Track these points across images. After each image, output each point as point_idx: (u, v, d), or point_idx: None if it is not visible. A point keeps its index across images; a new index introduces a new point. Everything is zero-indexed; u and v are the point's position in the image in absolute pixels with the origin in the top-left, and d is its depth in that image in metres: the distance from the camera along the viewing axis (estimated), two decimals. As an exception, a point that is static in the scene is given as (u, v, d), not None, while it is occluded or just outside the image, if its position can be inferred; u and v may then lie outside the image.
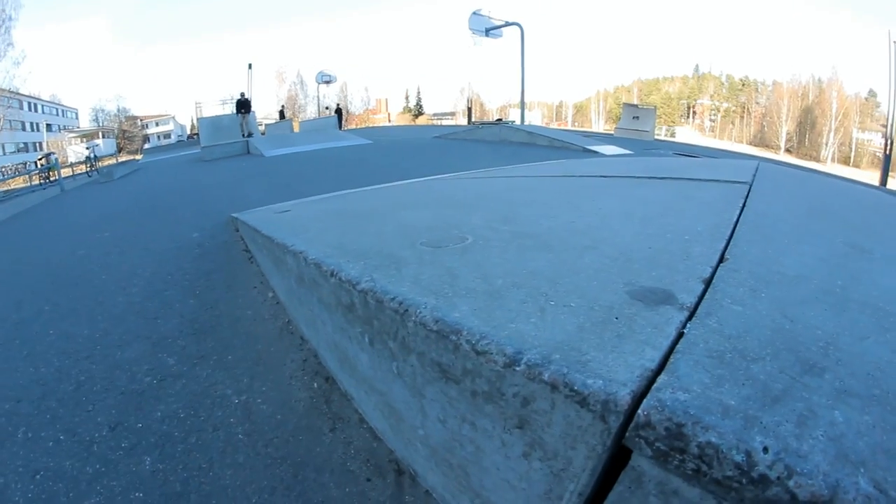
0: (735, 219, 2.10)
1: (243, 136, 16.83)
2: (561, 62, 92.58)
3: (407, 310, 1.33)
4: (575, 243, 1.79)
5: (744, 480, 0.76)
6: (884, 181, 18.80)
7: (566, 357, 1.00)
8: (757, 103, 58.95)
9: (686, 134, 53.02)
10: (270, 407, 1.94)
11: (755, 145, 52.68)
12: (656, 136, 24.25)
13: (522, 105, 24.61)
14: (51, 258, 4.29)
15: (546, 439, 0.99)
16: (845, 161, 48.22)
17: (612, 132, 24.06)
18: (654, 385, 0.90)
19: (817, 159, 48.85)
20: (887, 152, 19.65)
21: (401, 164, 9.24)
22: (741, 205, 2.41)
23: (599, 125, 58.92)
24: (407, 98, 79.20)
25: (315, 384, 2.02)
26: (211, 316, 2.80)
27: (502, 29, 26.69)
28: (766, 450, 0.75)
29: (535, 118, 56.08)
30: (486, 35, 26.59)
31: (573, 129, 44.28)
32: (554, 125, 57.34)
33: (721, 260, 1.52)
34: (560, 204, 2.80)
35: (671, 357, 0.98)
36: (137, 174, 14.49)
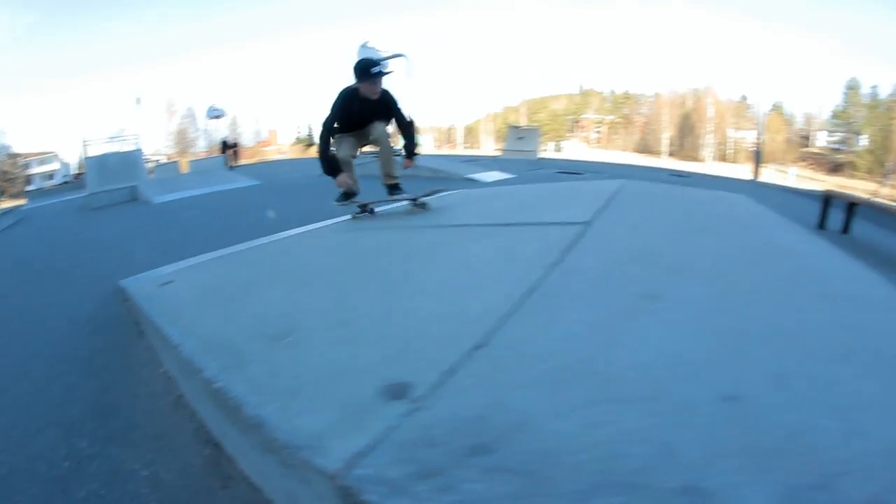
0: (536, 283, 2.36)
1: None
2: (452, 86, 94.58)
3: (239, 407, 1.65)
4: (361, 336, 2.11)
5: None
6: (756, 172, 21.23)
7: (318, 444, 1.32)
8: (639, 114, 62.59)
9: (573, 148, 55.81)
10: (172, 474, 2.14)
11: (640, 152, 57.13)
12: (544, 153, 25.23)
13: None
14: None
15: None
16: (723, 158, 51.87)
17: (501, 153, 24.88)
18: (357, 464, 1.20)
19: (697, 159, 53.18)
20: (757, 148, 22.74)
21: (284, 208, 9.38)
22: (557, 260, 2.70)
23: (490, 146, 60.22)
24: (299, 129, 78.48)
25: (206, 450, 2.24)
26: (113, 396, 2.94)
27: (390, 61, 27.11)
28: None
29: (426, 142, 56.90)
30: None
31: (463, 152, 45.16)
32: (446, 148, 58.54)
33: (480, 346, 1.76)
34: (371, 277, 3.11)
35: (377, 444, 1.27)
36: (22, 225, 13.81)
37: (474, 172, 13.50)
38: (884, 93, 51.00)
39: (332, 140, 5.46)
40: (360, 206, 5.81)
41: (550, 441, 1.19)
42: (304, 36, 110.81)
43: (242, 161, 28.49)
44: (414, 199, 5.56)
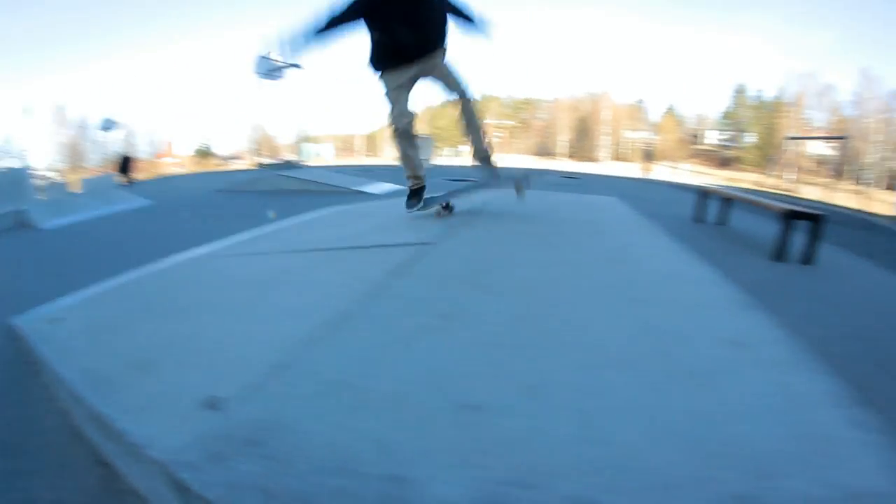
0: (356, 308, 2.52)
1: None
2: (354, 94, 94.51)
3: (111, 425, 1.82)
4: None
5: None
6: (647, 169, 22.85)
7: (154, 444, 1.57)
8: (538, 118, 64.60)
9: None
10: (74, 495, 2.18)
11: (538, 155, 58.97)
12: (440, 160, 25.64)
13: (303, 146, 25.10)
14: None
15: None
16: (618, 158, 54.72)
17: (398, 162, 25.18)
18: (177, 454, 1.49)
19: (593, 159, 55.52)
20: (649, 147, 24.44)
21: (174, 233, 9.04)
22: (385, 284, 2.84)
23: (389, 154, 60.82)
24: (197, 140, 76.73)
25: (100, 471, 2.28)
26: (15, 434, 2.92)
27: (286, 70, 27.14)
28: None
29: (327, 151, 56.86)
30: (272, 77, 26.96)
31: (362, 162, 45.24)
32: (346, 157, 58.63)
33: (284, 366, 1.95)
34: (215, 307, 3.16)
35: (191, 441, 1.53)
36: None
37: (365, 185, 13.51)
38: (768, 95, 57.50)
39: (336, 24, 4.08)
40: (442, 206, 4.82)
41: (301, 438, 1.47)
42: (202, 41, 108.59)
43: (138, 176, 27.07)
44: (445, 205, 4.79)
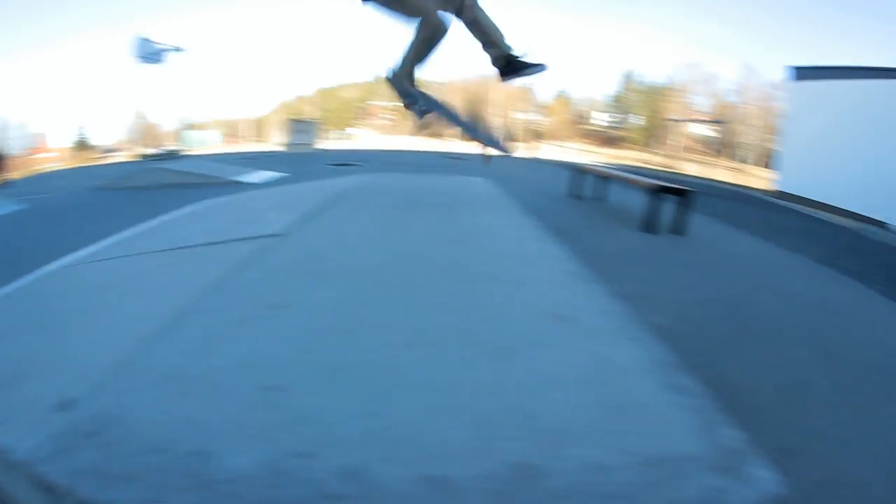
0: (195, 305, 2.53)
1: None
2: (243, 78, 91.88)
3: None
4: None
5: None
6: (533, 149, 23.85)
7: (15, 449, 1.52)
8: None
9: (362, 136, 57.07)
10: None
11: (429, 136, 58.62)
12: (328, 144, 25.41)
13: (187, 134, 24.23)
14: None
15: None
16: (507, 137, 56.82)
17: (284, 148, 24.74)
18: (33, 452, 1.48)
19: None
20: (536, 128, 25.51)
21: (46, 241, 8.35)
22: (226, 279, 2.83)
23: (278, 139, 59.82)
24: (75, 131, 72.41)
25: None
26: None
27: (168, 53, 25.96)
28: None
29: (213, 138, 54.97)
30: (153, 61, 25.69)
31: (249, 148, 44.17)
32: (233, 143, 57.00)
33: (126, 365, 1.98)
34: (74, 315, 3.17)
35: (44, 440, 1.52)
36: None
37: (243, 174, 13.16)
38: (656, 82, 62.69)
39: None
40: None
41: (133, 425, 1.51)
42: (74, 21, 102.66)
43: (11, 175, 24.40)
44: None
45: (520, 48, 4.28)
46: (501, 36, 4.20)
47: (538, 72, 4.40)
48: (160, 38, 26.12)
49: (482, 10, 4.09)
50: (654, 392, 1.69)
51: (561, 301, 2.48)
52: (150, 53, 25.58)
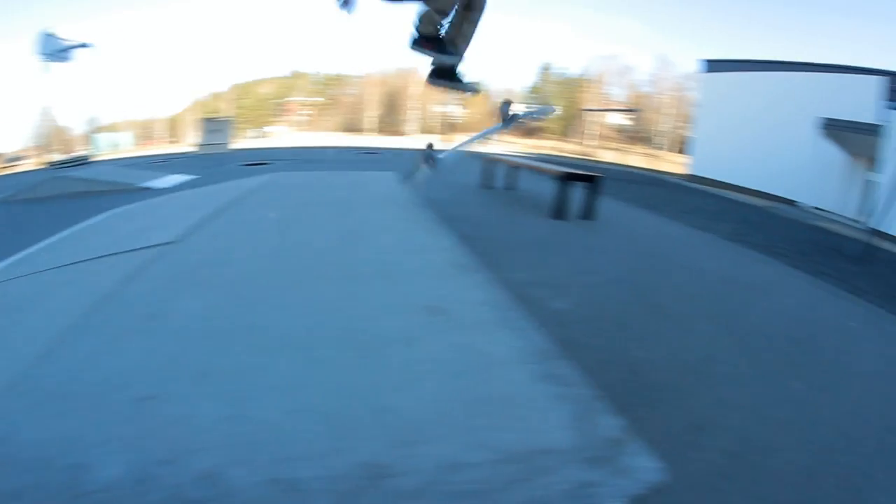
0: (82, 319, 2.47)
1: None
2: (156, 75, 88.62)
3: None
4: None
5: None
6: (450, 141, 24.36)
7: None
8: (347, 94, 64.69)
9: (279, 133, 56.42)
10: None
11: (346, 131, 59.30)
12: (243, 143, 24.86)
13: (97, 137, 23.33)
14: None
15: None
16: (426, 131, 57.11)
17: (196, 148, 24.03)
18: None
19: (400, 133, 59.61)
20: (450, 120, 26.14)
21: None
22: (113, 292, 2.78)
23: (192, 139, 58.22)
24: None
25: None
26: None
27: (76, 51, 24.68)
28: None
29: (126, 140, 53.04)
30: (59, 59, 24.38)
31: (162, 150, 42.72)
32: (145, 145, 55.13)
33: (23, 378, 1.96)
34: None
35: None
36: None
37: (152, 180, 12.69)
38: (572, 73, 63.75)
39: None
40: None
41: (19, 444, 1.51)
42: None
43: None
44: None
45: (466, 68, 4.19)
46: (466, 45, 4.03)
47: (468, 92, 4.36)
48: (66, 34, 24.92)
49: (481, 11, 3.93)
50: (525, 383, 1.69)
51: (442, 294, 2.50)
52: (56, 50, 24.22)
